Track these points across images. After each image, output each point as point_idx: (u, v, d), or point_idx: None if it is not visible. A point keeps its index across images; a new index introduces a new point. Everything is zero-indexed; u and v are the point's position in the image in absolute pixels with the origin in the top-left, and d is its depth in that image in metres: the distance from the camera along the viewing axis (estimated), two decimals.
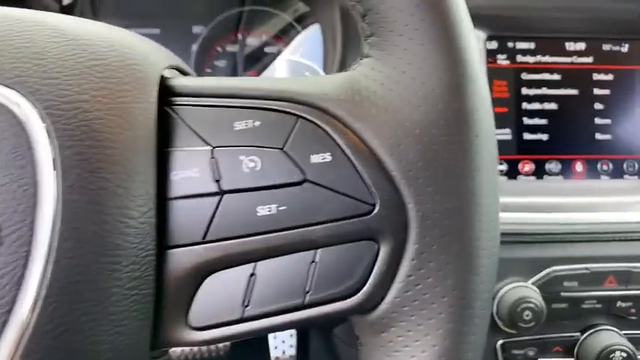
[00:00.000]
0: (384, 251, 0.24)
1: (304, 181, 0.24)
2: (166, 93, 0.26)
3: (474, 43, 0.25)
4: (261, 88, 0.26)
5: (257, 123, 0.25)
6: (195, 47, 0.71)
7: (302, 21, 0.67)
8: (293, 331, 1.31)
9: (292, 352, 1.33)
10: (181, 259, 0.24)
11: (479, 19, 0.57)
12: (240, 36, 0.73)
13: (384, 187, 0.24)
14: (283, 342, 1.34)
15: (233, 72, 0.72)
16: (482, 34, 0.65)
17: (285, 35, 0.70)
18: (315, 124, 0.25)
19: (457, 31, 0.25)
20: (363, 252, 0.24)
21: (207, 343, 0.25)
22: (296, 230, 0.24)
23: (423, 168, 0.24)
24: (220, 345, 1.19)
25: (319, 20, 0.62)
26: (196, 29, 0.72)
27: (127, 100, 0.24)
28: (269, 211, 0.24)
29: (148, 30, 0.71)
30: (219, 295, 0.25)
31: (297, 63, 0.32)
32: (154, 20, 0.71)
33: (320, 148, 0.25)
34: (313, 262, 0.24)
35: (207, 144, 0.25)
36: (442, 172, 0.24)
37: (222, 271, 0.25)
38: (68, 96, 0.22)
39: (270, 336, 1.29)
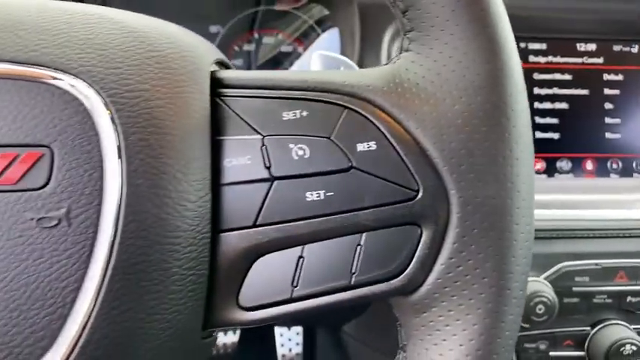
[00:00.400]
0: (426, 235, 0.26)
1: (351, 168, 0.26)
2: (216, 85, 0.27)
3: (512, 38, 0.27)
4: (308, 79, 0.27)
5: (305, 113, 0.26)
6: None
7: (321, 23, 0.69)
8: (299, 329, 1.32)
9: (299, 349, 1.34)
10: (233, 242, 0.25)
11: None
12: (256, 35, 0.74)
13: (427, 174, 0.25)
14: (290, 340, 1.35)
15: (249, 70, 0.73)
16: None
17: (304, 37, 0.71)
18: (361, 114, 0.26)
19: (496, 27, 0.26)
20: (406, 236, 0.26)
21: (257, 322, 0.26)
22: (343, 215, 0.25)
23: (465, 156, 0.25)
24: (228, 342, 1.20)
25: (337, 21, 0.63)
26: (213, 29, 0.73)
27: (183, 90, 0.25)
28: (317, 196, 0.25)
29: None
30: (268, 277, 0.26)
31: (332, 58, 0.33)
32: (171, 20, 0.72)
33: (366, 136, 0.26)
34: (359, 245, 0.26)
35: (258, 133, 0.26)
36: (483, 160, 0.25)
37: (271, 254, 0.26)
38: (130, 85, 0.24)
39: (277, 334, 1.30)
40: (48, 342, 0.22)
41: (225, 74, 0.27)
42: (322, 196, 0.25)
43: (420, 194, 0.26)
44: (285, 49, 0.73)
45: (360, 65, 0.59)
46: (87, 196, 0.22)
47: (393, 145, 0.26)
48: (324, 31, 0.67)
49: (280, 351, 1.32)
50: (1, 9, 0.24)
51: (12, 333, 0.22)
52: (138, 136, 0.23)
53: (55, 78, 0.23)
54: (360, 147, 0.26)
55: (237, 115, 0.26)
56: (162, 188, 0.23)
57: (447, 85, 0.26)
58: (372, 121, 0.26)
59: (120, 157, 0.23)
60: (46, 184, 0.22)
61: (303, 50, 0.72)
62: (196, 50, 0.27)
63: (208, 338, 0.28)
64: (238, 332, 1.12)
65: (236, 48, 0.73)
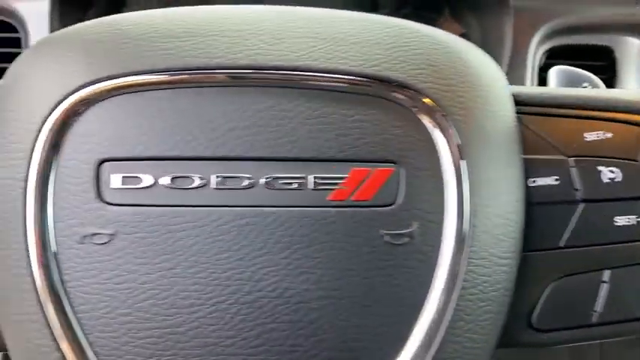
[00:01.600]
0: None
1: None
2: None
3: None
4: (608, 99, 0.26)
5: (609, 134, 0.26)
6: None
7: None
8: None
9: None
10: (534, 262, 0.25)
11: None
12: None
13: None
14: None
15: None
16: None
17: None
18: None
19: None
20: None
21: (547, 344, 0.26)
22: None
23: None
24: None
25: (485, 25, 0.62)
26: None
27: (500, 107, 0.25)
28: (628, 221, 0.25)
29: None
30: (566, 300, 0.25)
31: (575, 73, 0.32)
32: None
33: None
34: None
35: (562, 153, 0.25)
36: None
37: (571, 276, 0.25)
38: (463, 102, 0.23)
39: None
40: (394, 353, 0.22)
41: (519, 90, 0.27)
42: (634, 222, 0.25)
43: None
44: None
45: (511, 66, 0.57)
46: (431, 214, 0.22)
47: None
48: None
49: None
50: (319, 20, 0.24)
51: (358, 347, 0.22)
52: (476, 154, 0.23)
53: (398, 94, 0.23)
54: None
55: (536, 133, 0.26)
56: (491, 207, 0.23)
57: None
58: None
59: (464, 160, 0.23)
60: (395, 200, 0.22)
61: None
62: (494, 66, 0.27)
63: None
64: None
65: None
